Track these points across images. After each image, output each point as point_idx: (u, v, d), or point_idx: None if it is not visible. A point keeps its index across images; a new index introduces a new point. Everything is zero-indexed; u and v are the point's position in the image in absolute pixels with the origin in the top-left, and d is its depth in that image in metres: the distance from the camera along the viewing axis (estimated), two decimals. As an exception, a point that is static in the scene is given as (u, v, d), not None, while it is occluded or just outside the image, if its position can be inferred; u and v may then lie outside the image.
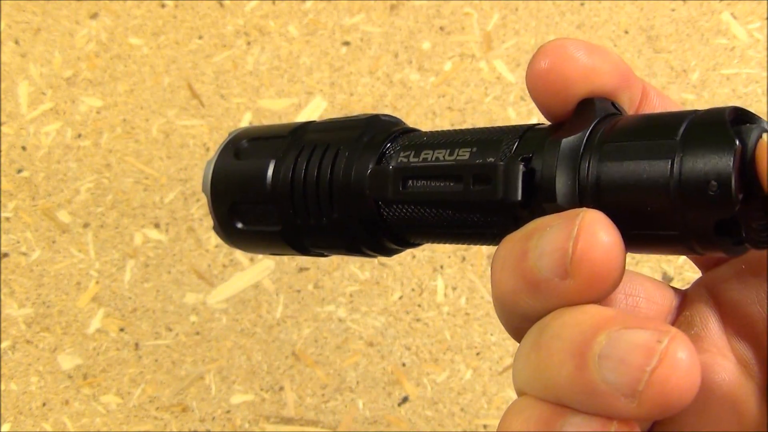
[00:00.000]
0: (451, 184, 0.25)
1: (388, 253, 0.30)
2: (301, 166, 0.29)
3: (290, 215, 0.29)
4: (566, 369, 0.20)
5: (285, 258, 0.81)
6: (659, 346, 0.18)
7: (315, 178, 0.29)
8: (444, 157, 0.26)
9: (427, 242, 0.29)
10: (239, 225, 0.31)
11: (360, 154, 0.28)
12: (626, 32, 0.91)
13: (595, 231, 0.20)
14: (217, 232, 0.33)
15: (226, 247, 0.84)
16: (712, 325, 0.23)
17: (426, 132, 0.29)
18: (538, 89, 0.23)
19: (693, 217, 0.20)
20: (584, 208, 0.21)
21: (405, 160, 0.27)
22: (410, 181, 0.26)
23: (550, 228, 0.21)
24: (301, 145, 0.30)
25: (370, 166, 0.28)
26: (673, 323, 0.24)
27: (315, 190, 0.29)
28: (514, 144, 0.24)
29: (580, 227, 0.20)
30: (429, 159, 0.26)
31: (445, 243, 0.28)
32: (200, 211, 0.86)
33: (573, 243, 0.20)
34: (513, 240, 0.22)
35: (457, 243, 0.28)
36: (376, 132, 0.29)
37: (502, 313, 0.23)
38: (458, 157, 0.25)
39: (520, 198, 0.23)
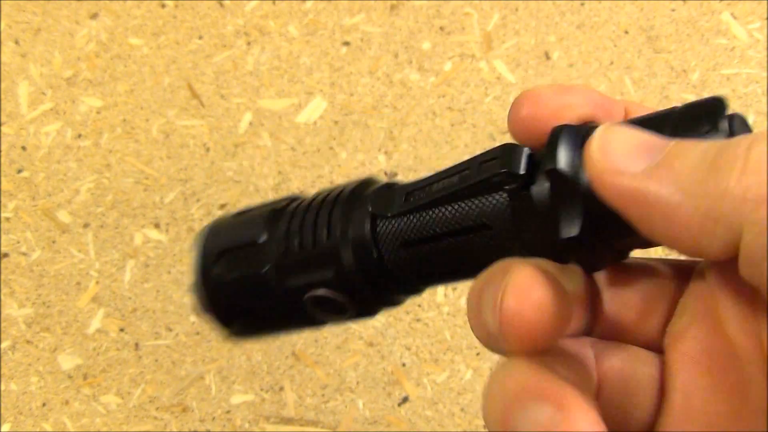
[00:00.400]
0: (456, 177, 0.26)
1: (385, 299, 0.29)
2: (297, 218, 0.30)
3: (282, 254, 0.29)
4: (497, 429, 0.21)
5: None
6: (555, 424, 0.19)
7: (315, 208, 0.29)
8: (449, 177, 0.27)
9: (423, 274, 0.28)
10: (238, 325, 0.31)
11: (359, 193, 0.29)
12: (626, 32, 0.91)
13: (520, 291, 0.21)
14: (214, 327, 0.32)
15: (226, 247, 0.83)
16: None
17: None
18: (521, 135, 0.25)
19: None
20: (514, 262, 0.22)
21: (411, 185, 0.28)
22: (414, 193, 0.27)
23: (490, 283, 0.22)
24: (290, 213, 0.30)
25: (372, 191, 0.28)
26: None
27: (314, 217, 0.29)
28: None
29: (506, 287, 0.21)
30: (435, 180, 0.27)
31: (443, 277, 0.28)
32: (200, 211, 0.86)
33: (500, 304, 0.21)
34: (475, 289, 0.23)
35: (454, 275, 0.27)
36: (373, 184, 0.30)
37: None
38: (464, 173, 0.26)
39: (522, 171, 0.23)
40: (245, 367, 0.78)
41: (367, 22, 0.95)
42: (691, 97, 0.86)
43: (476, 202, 0.25)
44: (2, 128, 0.93)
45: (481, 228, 0.25)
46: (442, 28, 0.94)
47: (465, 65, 0.91)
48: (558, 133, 0.23)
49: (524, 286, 0.21)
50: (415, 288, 0.29)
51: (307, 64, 0.93)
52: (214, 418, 0.76)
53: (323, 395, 0.76)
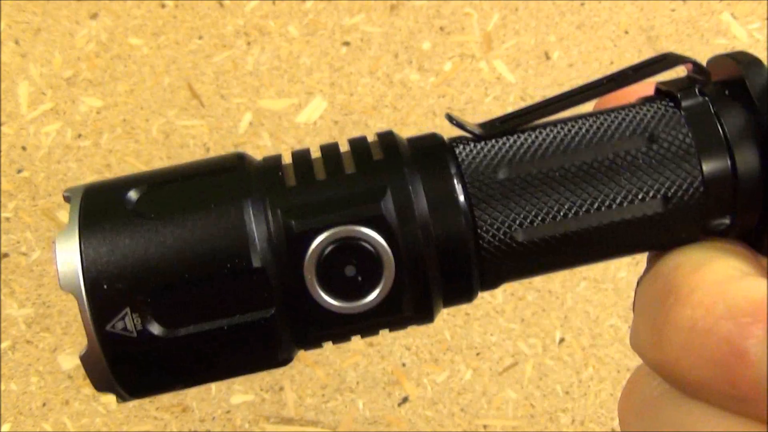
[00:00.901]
0: (596, 89, 0.19)
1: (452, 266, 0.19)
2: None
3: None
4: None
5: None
6: None
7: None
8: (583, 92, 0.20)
9: (531, 215, 0.18)
10: (182, 330, 0.18)
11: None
12: (626, 32, 0.91)
13: None
14: (92, 368, 0.18)
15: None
16: None
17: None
18: None
19: None
20: None
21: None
22: (518, 117, 0.19)
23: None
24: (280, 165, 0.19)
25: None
26: None
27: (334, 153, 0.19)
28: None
29: None
30: (560, 99, 0.20)
31: (560, 223, 0.18)
32: (200, 211, 0.86)
33: None
34: (716, 311, 0.17)
35: (574, 216, 0.18)
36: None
37: (665, 377, 0.18)
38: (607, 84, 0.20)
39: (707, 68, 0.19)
40: (245, 367, 0.78)
41: (367, 22, 0.95)
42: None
43: (637, 108, 0.19)
44: (2, 128, 0.93)
45: (641, 143, 0.18)
46: (442, 28, 0.94)
47: (465, 65, 0.91)
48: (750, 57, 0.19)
49: None
50: (504, 247, 0.18)
51: (307, 64, 0.93)
52: (214, 418, 0.76)
53: (323, 395, 0.76)
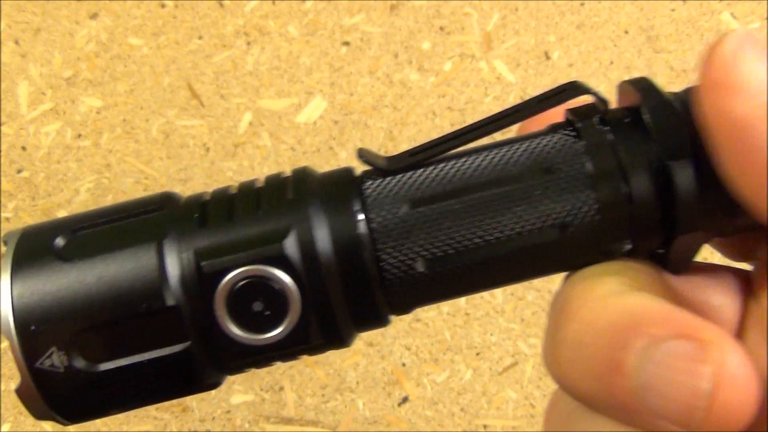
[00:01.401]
0: (498, 122, 0.20)
1: (356, 297, 0.20)
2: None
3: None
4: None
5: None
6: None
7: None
8: (486, 125, 0.21)
9: (433, 249, 0.19)
10: (104, 365, 0.20)
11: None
12: (626, 32, 0.91)
13: (742, 385, 0.16)
14: (30, 403, 0.20)
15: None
16: None
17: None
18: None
19: None
20: (718, 334, 0.16)
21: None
22: (427, 149, 0.20)
23: (666, 349, 0.16)
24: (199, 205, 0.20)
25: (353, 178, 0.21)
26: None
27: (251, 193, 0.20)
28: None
29: (722, 377, 0.16)
30: (464, 131, 0.21)
31: (459, 256, 0.19)
32: (200, 211, 0.86)
33: (710, 394, 0.16)
34: (596, 325, 0.18)
35: (476, 249, 0.19)
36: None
37: (565, 391, 0.19)
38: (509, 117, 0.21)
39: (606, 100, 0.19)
40: (245, 367, 0.78)
41: (367, 22, 0.95)
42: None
43: (540, 137, 0.20)
44: (2, 128, 0.93)
45: (538, 174, 0.19)
46: (442, 28, 0.94)
47: (465, 65, 0.91)
48: (647, 82, 0.19)
49: (744, 380, 0.16)
50: (408, 279, 0.19)
51: (307, 64, 0.93)
52: (214, 418, 0.76)
53: (323, 395, 0.76)
